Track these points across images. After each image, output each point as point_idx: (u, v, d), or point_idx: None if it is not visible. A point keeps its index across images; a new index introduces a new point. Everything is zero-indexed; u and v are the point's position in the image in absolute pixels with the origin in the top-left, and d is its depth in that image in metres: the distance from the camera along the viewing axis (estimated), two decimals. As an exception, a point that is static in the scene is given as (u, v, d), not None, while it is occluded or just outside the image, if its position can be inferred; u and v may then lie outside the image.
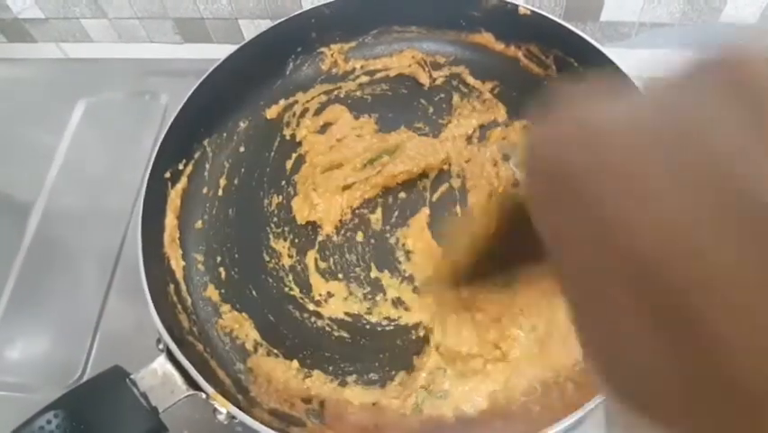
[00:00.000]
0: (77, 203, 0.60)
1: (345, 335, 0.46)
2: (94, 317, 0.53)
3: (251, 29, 0.67)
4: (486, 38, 0.57)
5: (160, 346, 0.41)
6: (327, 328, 0.47)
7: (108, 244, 0.57)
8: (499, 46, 0.56)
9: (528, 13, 0.52)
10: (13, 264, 0.56)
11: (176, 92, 0.63)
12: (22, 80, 0.70)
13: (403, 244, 0.50)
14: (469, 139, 0.54)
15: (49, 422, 0.35)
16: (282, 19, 0.54)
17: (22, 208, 0.60)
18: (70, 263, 0.57)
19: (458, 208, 0.51)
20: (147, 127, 0.64)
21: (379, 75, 0.58)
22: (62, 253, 0.58)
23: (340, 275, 0.49)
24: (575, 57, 0.52)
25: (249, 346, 0.46)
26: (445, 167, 0.52)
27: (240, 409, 0.38)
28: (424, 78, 0.57)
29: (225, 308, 0.48)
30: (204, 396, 0.39)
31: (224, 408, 0.39)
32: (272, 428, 0.38)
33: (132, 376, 0.38)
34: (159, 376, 0.39)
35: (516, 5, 0.53)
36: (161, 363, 0.39)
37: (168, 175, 0.50)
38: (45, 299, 0.55)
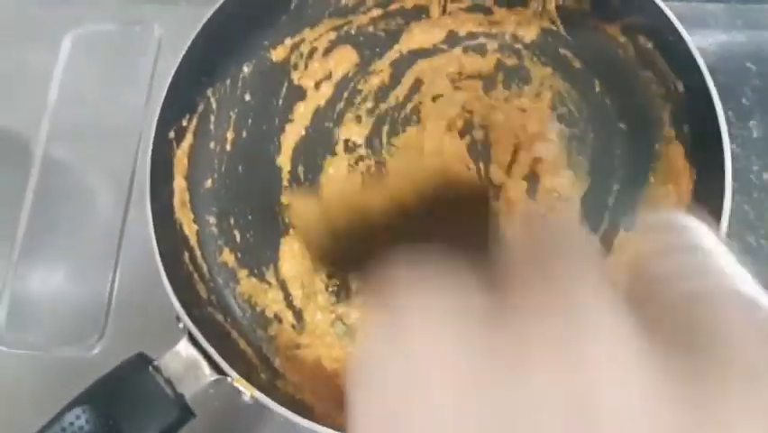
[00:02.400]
0: (73, 152, 0.57)
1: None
2: (110, 269, 0.52)
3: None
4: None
5: (181, 326, 0.40)
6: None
7: (116, 191, 0.55)
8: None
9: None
10: (20, 217, 0.55)
11: (169, 22, 0.59)
12: (5, 16, 0.64)
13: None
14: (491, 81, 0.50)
15: (78, 417, 0.35)
16: (284, -55, 0.48)
17: (23, 145, 0.57)
18: (81, 202, 0.56)
19: (481, 165, 0.48)
20: (142, 57, 0.59)
21: (393, 6, 0.52)
22: (71, 193, 0.56)
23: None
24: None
25: (269, 314, 0.46)
26: (467, 116, 0.49)
27: (264, 391, 0.38)
28: (435, 10, 0.52)
29: (243, 273, 0.47)
30: (229, 379, 0.39)
31: (248, 391, 0.39)
32: (293, 411, 0.38)
33: (155, 363, 0.38)
34: (182, 361, 0.39)
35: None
36: (184, 347, 0.39)
37: (172, 135, 0.46)
38: (59, 239, 0.54)
